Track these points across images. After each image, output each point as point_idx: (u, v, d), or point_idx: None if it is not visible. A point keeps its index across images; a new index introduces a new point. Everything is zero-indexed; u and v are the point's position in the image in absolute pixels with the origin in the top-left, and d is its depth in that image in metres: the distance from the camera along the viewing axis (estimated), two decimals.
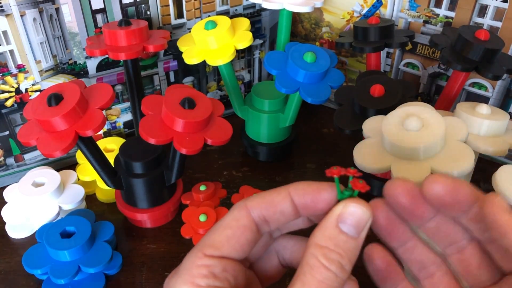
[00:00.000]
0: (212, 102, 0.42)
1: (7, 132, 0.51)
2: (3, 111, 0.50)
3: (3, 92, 0.49)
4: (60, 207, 0.47)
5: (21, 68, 0.49)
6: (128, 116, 0.59)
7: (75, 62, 0.52)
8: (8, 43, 0.47)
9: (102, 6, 0.51)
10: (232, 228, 0.24)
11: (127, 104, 0.58)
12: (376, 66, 0.55)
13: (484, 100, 0.56)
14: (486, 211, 0.22)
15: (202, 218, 0.37)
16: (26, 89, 0.51)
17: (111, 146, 0.55)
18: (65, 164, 0.56)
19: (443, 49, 0.48)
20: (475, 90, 0.56)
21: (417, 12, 0.56)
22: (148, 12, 0.54)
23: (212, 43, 0.48)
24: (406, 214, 0.25)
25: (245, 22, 0.51)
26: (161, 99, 0.41)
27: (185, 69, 0.60)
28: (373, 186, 0.53)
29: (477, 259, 0.25)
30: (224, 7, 0.58)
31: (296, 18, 0.66)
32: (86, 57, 0.53)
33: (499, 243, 0.23)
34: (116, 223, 0.48)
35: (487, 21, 0.52)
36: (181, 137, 0.39)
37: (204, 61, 0.49)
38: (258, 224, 0.24)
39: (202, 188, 0.44)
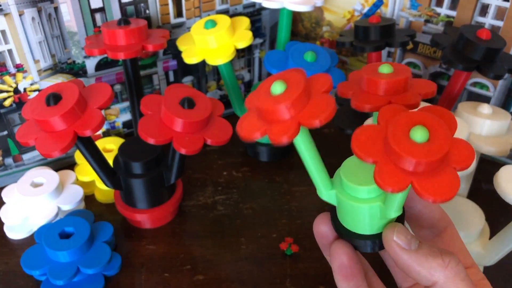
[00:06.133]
0: (211, 102, 0.42)
1: (5, 132, 0.51)
2: (2, 111, 0.50)
3: (2, 91, 0.49)
4: (58, 208, 0.47)
5: (19, 68, 0.49)
6: (127, 116, 0.59)
7: (74, 61, 0.52)
8: (6, 42, 0.47)
9: (101, 5, 0.50)
10: None
11: (126, 103, 0.58)
12: None
13: (486, 99, 0.56)
14: (389, 251, 0.26)
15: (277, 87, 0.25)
16: (25, 89, 0.50)
17: (110, 146, 0.55)
18: (64, 164, 0.56)
19: (444, 48, 0.47)
20: (476, 89, 0.56)
21: (418, 11, 0.56)
22: (147, 11, 0.53)
23: (211, 42, 0.48)
24: None
25: (245, 21, 0.51)
26: (160, 98, 0.41)
27: (184, 69, 0.60)
28: None
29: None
30: (224, 6, 0.58)
31: (296, 17, 0.66)
32: (85, 57, 0.52)
33: (406, 274, 0.27)
34: (115, 223, 0.47)
35: (488, 20, 0.52)
36: (180, 137, 0.39)
37: (204, 61, 0.48)
38: None
39: (386, 70, 0.28)
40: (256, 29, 0.62)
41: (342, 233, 0.29)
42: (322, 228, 0.30)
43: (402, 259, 0.25)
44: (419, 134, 0.22)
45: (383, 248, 0.28)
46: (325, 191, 0.28)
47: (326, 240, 0.30)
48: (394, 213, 0.26)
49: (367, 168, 0.27)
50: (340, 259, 0.28)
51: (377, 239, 0.28)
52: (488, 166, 0.57)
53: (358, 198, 0.27)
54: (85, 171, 0.52)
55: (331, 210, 0.30)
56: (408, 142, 0.22)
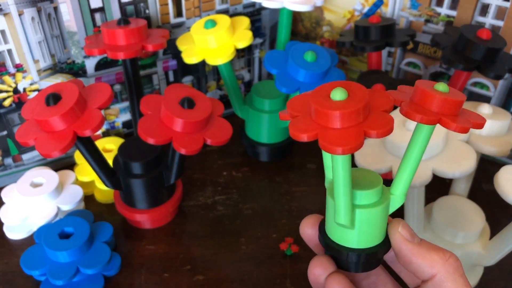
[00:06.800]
0: (211, 102, 0.42)
1: (5, 132, 0.51)
2: (1, 111, 0.50)
3: (1, 91, 0.49)
4: (58, 208, 0.47)
5: (19, 68, 0.49)
6: (127, 116, 0.59)
7: (74, 61, 0.52)
8: (6, 42, 0.47)
9: (100, 5, 0.50)
10: None
11: (126, 103, 0.58)
12: (377, 66, 0.55)
13: (486, 99, 0.55)
14: (393, 242, 0.27)
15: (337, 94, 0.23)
16: (24, 89, 0.50)
17: (109, 146, 0.55)
18: (64, 164, 0.56)
19: (444, 48, 0.47)
20: (477, 89, 0.56)
21: (418, 11, 0.56)
22: (147, 11, 0.53)
23: (211, 42, 0.48)
24: None
25: (245, 21, 0.51)
26: (160, 98, 0.41)
27: (184, 69, 0.60)
28: None
29: (383, 278, 0.30)
30: (224, 6, 0.58)
31: (296, 17, 0.66)
32: (85, 57, 0.52)
33: (406, 268, 0.27)
34: (115, 224, 0.47)
35: (489, 20, 0.52)
36: (180, 137, 0.39)
37: (204, 61, 0.48)
38: None
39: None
40: (256, 29, 0.62)
41: (329, 247, 0.28)
42: (307, 231, 0.29)
43: (405, 250, 0.26)
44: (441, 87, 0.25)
45: (370, 269, 0.28)
46: (345, 217, 0.26)
47: (313, 242, 0.30)
48: (400, 201, 0.27)
49: (366, 175, 0.28)
50: None
51: (362, 253, 0.27)
52: (488, 166, 0.56)
53: (355, 204, 0.26)
54: (85, 171, 0.51)
55: (321, 224, 0.29)
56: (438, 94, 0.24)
